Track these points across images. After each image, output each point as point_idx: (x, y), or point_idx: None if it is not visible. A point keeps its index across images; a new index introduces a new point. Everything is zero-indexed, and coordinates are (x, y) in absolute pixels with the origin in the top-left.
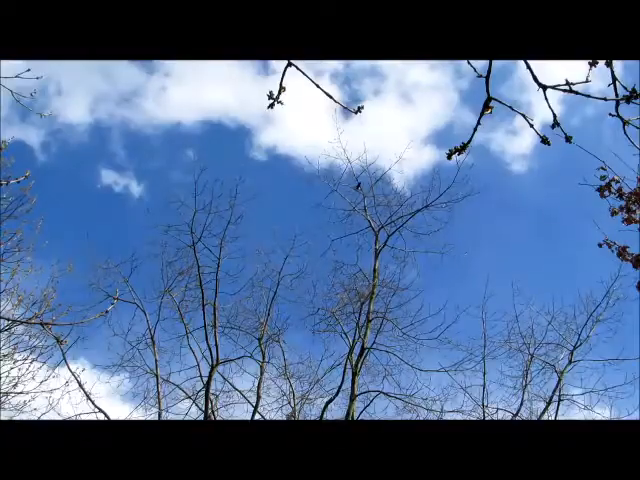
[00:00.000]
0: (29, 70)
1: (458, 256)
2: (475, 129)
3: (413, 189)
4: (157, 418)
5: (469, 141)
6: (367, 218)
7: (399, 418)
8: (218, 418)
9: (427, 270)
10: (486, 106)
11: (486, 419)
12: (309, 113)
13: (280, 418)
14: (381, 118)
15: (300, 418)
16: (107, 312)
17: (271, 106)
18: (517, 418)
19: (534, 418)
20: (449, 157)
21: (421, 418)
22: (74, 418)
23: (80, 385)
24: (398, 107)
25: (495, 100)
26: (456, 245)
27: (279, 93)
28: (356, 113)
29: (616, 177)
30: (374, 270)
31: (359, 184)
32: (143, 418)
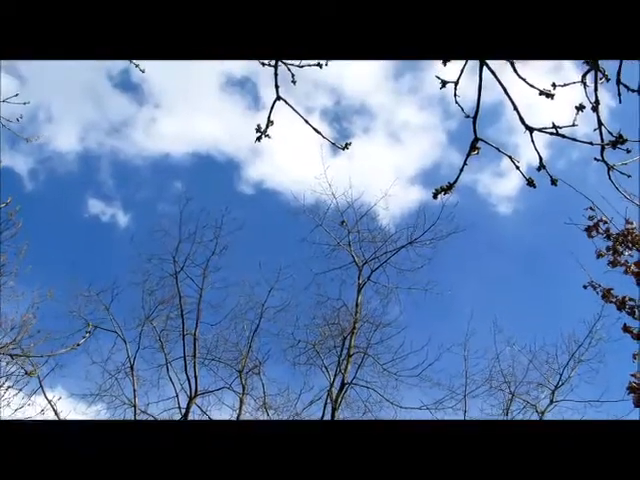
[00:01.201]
0: (17, 95)
1: (442, 293)
2: (461, 169)
3: (398, 226)
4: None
5: (455, 181)
6: (351, 253)
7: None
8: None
9: (410, 307)
10: (473, 147)
11: (485, 419)
12: (297, 148)
13: None
14: (369, 155)
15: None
16: (79, 345)
17: (258, 139)
18: None
19: None
20: (435, 196)
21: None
22: None
23: (56, 414)
24: (386, 145)
25: (482, 141)
26: (440, 282)
27: (267, 127)
28: (343, 149)
29: (604, 218)
30: (357, 305)
31: (344, 220)
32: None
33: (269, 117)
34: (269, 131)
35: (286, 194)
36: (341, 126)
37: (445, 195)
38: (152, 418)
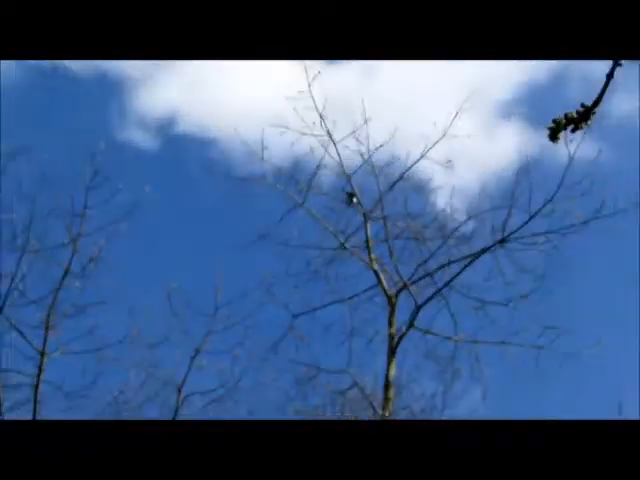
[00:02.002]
0: None
1: (578, 354)
2: (607, 83)
3: (472, 204)
4: None
5: (597, 102)
6: (371, 265)
7: None
8: None
9: (505, 383)
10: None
11: (484, 419)
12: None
13: None
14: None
15: None
16: None
17: None
18: None
19: None
20: (554, 136)
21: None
22: None
23: None
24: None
25: None
26: (570, 327)
27: None
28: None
29: None
30: (387, 385)
31: (352, 194)
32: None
33: None
34: None
35: (227, 140)
36: None
37: (576, 130)
38: None
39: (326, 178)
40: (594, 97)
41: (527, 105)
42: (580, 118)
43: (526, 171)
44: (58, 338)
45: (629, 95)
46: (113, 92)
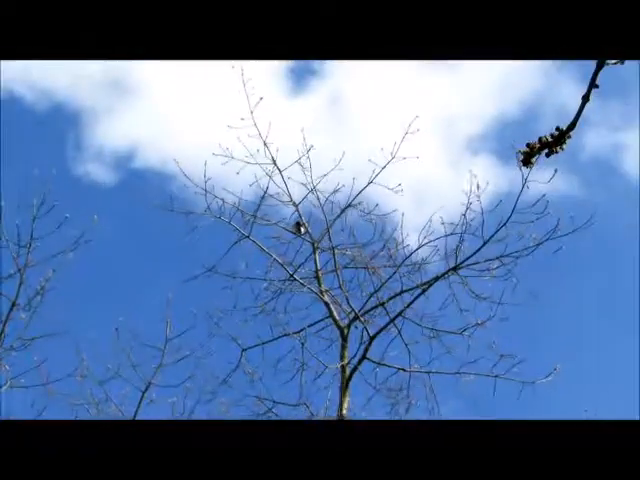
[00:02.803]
0: None
1: (530, 382)
2: (581, 107)
3: (424, 231)
4: None
5: (572, 125)
6: (322, 296)
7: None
8: None
9: (459, 414)
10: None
11: (483, 419)
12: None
13: None
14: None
15: None
16: None
17: None
18: None
19: None
20: (526, 161)
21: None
22: None
23: None
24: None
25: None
26: (528, 356)
27: None
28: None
29: None
30: (340, 417)
31: (300, 223)
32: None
33: None
34: None
35: (176, 172)
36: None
37: (551, 155)
38: None
39: (272, 208)
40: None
41: (496, 139)
42: (554, 142)
43: (478, 198)
44: (5, 372)
45: (600, 130)
46: (70, 124)
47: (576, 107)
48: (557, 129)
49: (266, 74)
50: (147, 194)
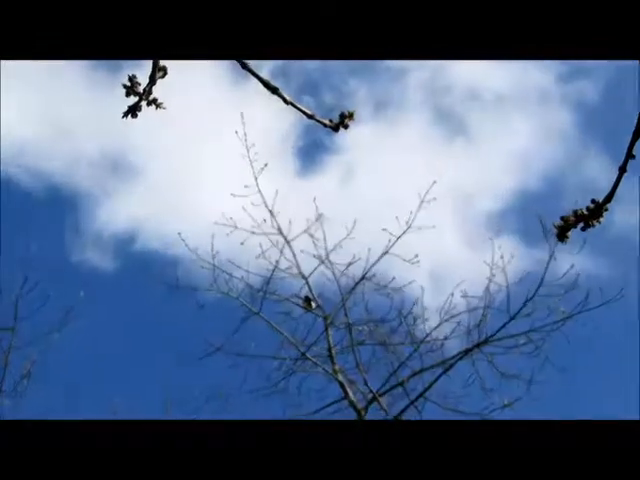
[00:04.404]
0: None
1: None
2: (619, 178)
3: (443, 308)
4: None
5: (610, 196)
6: (336, 376)
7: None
8: None
9: None
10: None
11: (483, 419)
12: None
13: None
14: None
15: None
16: None
17: (131, 113)
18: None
19: None
20: (562, 235)
21: None
22: None
23: None
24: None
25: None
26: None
27: (148, 90)
28: (337, 129)
29: None
30: None
31: (309, 299)
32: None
33: (153, 75)
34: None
35: (169, 253)
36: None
37: (587, 228)
38: None
39: (282, 282)
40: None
41: (516, 215)
42: (590, 215)
43: (503, 270)
44: None
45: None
46: (66, 208)
47: (604, 181)
48: (593, 201)
49: (273, 150)
50: (149, 278)
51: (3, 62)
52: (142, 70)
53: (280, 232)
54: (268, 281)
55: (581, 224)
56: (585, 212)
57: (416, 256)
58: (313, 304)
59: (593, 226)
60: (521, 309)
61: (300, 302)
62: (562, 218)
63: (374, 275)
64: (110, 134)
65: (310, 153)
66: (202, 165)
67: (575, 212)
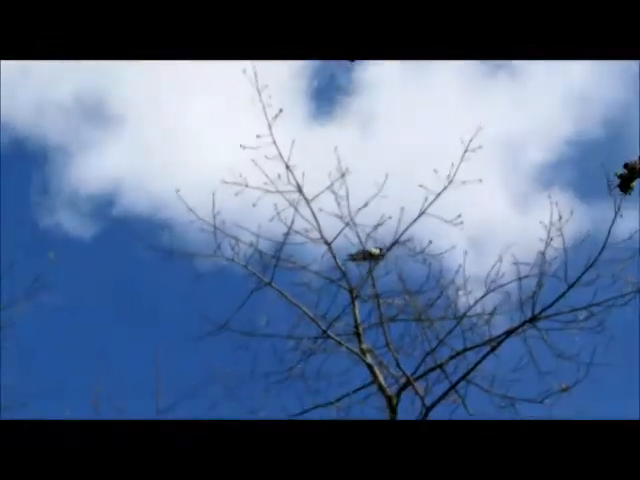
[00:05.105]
0: None
1: None
2: None
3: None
4: None
5: None
6: (364, 357)
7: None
8: None
9: None
10: None
11: (483, 419)
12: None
13: None
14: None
15: None
16: None
17: None
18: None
19: None
20: (624, 186)
21: None
22: None
23: None
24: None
25: None
26: None
27: None
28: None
29: None
30: None
31: (368, 251)
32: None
33: None
34: None
35: (177, 211)
36: None
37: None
38: None
39: (299, 247)
40: None
41: (574, 167)
42: None
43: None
44: None
45: None
46: (33, 164)
47: None
48: None
49: (285, 91)
50: (134, 244)
51: (3, 62)
52: None
53: (299, 189)
54: (282, 246)
55: None
56: None
57: (459, 216)
58: (376, 250)
59: None
60: (580, 277)
61: (352, 256)
62: (626, 166)
63: (408, 239)
64: (87, 74)
65: (326, 96)
66: (201, 113)
67: None
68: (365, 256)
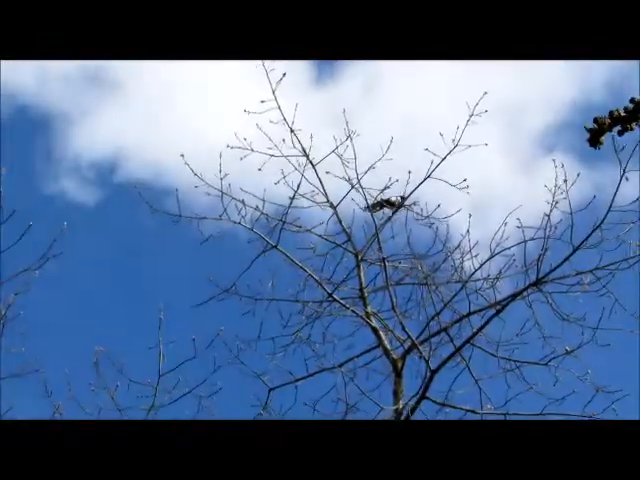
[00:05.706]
0: None
1: None
2: None
3: (497, 238)
4: None
5: None
6: (369, 321)
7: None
8: None
9: None
10: None
11: (483, 419)
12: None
13: None
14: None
15: None
16: None
17: None
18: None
19: None
20: (593, 140)
21: None
22: None
23: None
24: None
25: None
26: (627, 387)
27: None
28: None
29: None
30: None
31: (388, 200)
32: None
33: None
34: None
35: (179, 174)
36: None
37: (625, 133)
38: None
39: (305, 211)
40: None
41: (577, 131)
42: (629, 117)
43: (566, 195)
44: None
45: None
46: (36, 132)
47: None
48: (632, 101)
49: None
50: (138, 209)
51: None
52: None
53: (304, 153)
54: (288, 210)
55: (618, 127)
56: (623, 113)
57: (464, 180)
58: (395, 199)
59: (631, 129)
60: (586, 239)
61: (369, 204)
62: (595, 120)
63: (414, 203)
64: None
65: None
66: (205, 78)
67: (611, 113)
68: (384, 204)
